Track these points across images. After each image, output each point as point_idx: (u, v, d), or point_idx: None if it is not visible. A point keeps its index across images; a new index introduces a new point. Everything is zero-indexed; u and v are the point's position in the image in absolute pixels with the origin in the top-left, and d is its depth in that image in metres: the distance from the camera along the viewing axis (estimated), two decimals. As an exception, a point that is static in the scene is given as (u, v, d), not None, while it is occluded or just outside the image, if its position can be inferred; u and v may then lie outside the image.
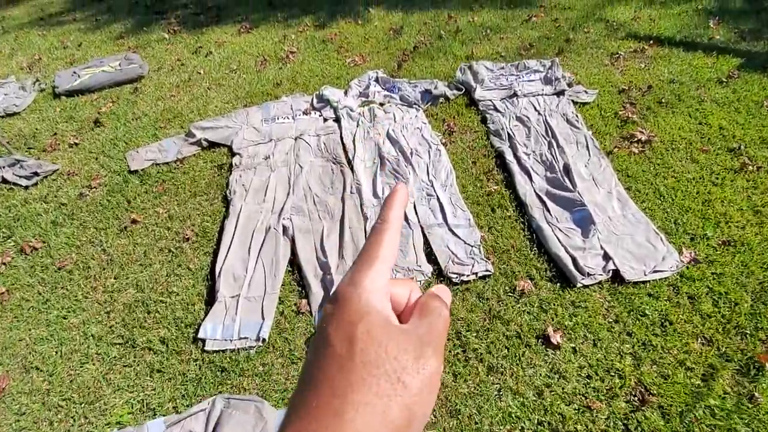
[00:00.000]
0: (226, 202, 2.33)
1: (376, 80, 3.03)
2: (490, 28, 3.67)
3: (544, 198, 2.21)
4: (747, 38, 3.23)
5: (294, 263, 2.04)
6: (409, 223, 2.13)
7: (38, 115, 3.07)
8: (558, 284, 1.90)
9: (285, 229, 2.12)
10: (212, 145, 2.68)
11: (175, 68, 3.49)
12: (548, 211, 2.15)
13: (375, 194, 2.30)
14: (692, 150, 2.44)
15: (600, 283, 1.89)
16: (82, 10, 4.68)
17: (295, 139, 2.65)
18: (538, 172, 2.36)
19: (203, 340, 1.78)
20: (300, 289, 1.95)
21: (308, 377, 0.23)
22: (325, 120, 2.79)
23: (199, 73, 3.39)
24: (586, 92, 2.85)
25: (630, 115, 2.66)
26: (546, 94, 2.84)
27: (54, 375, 1.75)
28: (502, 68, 3.08)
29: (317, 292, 1.90)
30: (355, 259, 0.27)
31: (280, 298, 1.91)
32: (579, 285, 1.87)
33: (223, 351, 1.76)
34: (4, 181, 2.51)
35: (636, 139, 2.51)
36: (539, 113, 2.71)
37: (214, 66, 3.47)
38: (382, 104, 2.88)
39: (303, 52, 3.58)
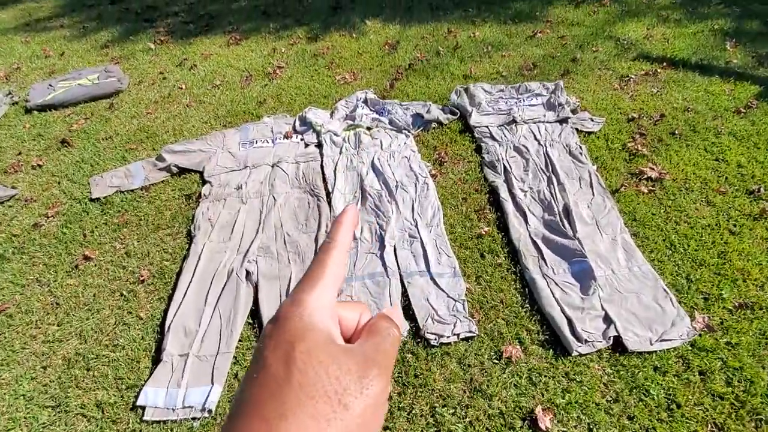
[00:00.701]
0: (190, 237, 2.12)
1: (365, 101, 2.81)
2: (491, 44, 3.44)
3: (540, 244, 1.97)
4: (765, 63, 2.96)
5: (256, 315, 1.82)
6: (387, 272, 1.90)
7: (6, 131, 2.90)
8: (551, 351, 1.66)
9: (249, 274, 1.91)
10: (183, 171, 2.48)
11: (157, 82, 3.31)
12: (544, 260, 1.91)
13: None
14: (708, 191, 2.18)
15: (599, 351, 1.65)
16: (71, 16, 4.53)
17: (272, 166, 2.44)
18: (534, 212, 2.12)
19: (143, 408, 1.57)
20: (259, 346, 1.73)
21: (240, 402, 0.21)
22: (307, 145, 2.57)
23: (181, 89, 3.20)
24: (592, 120, 2.61)
25: (639, 148, 2.41)
26: (548, 121, 2.60)
27: (-25, 442, 1.55)
28: (502, 90, 2.84)
29: (277, 352, 1.67)
30: (301, 278, 0.26)
31: (235, 356, 1.69)
32: (575, 353, 1.63)
33: (164, 422, 1.55)
34: (-43, 206, 2.34)
35: (645, 177, 2.26)
36: (539, 143, 2.47)
37: (197, 81, 3.28)
38: (369, 128, 2.66)
39: (292, 67, 3.37)
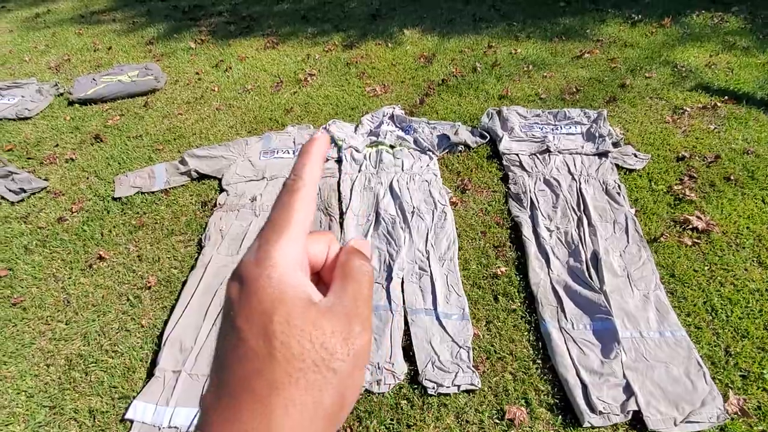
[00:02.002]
0: (200, 247, 2.11)
1: (391, 118, 2.72)
2: (533, 63, 3.25)
3: (561, 293, 1.81)
4: None
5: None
6: (391, 306, 1.81)
7: (48, 122, 3.04)
8: (560, 417, 1.51)
9: (250, 293, 1.87)
10: (203, 176, 2.49)
11: (192, 83, 3.36)
12: (563, 312, 1.75)
13: (360, 261, 1.99)
14: (761, 250, 1.94)
15: (615, 426, 1.48)
16: (123, 11, 4.72)
17: (290, 179, 2.39)
18: (559, 256, 1.95)
19: (131, 421, 1.56)
20: (252, 371, 1.69)
21: (223, 378, 0.20)
22: (327, 160, 2.51)
23: (213, 91, 3.23)
24: (635, 155, 2.39)
25: (687, 193, 2.18)
26: (585, 154, 2.41)
27: (-25, 434, 1.59)
28: (538, 116, 2.67)
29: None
30: (263, 226, 0.23)
31: (227, 379, 1.65)
32: (586, 425, 1.47)
33: (150, 439, 1.53)
34: (-6, 193, 2.45)
35: (691, 226, 2.03)
36: (573, 177, 2.29)
37: (230, 84, 3.31)
38: (392, 147, 2.56)
39: (323, 75, 3.33)
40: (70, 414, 1.62)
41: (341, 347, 0.21)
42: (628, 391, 1.53)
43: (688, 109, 2.70)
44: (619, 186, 2.22)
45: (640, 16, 3.71)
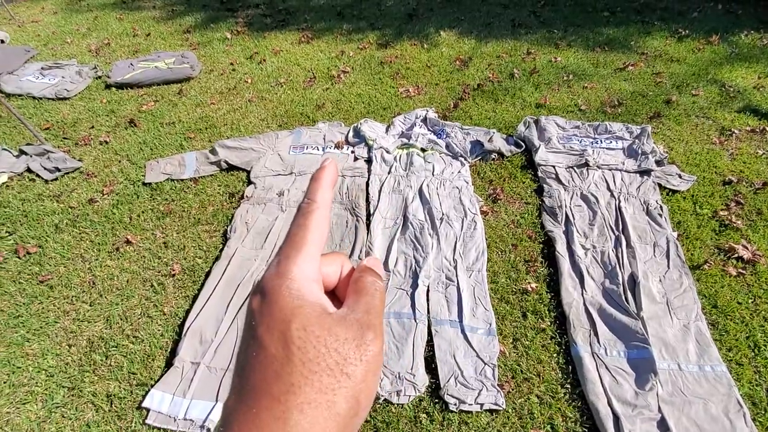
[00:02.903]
0: (225, 238, 2.10)
1: (424, 120, 2.67)
2: (573, 72, 3.15)
3: (595, 316, 1.72)
4: None
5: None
6: (415, 314, 1.75)
7: (85, 104, 3.09)
8: (588, 448, 1.43)
9: (273, 289, 1.84)
10: (231, 167, 2.48)
11: (226, 73, 3.38)
12: (596, 336, 1.67)
13: (385, 265, 1.94)
14: (817, 287, 1.81)
15: (648, 463, 1.39)
16: (163, -2, 4.79)
17: (318, 176, 2.36)
18: (594, 276, 1.87)
19: (148, 410, 1.55)
20: (270, 369, 1.66)
21: (244, 383, 0.22)
22: (356, 159, 2.48)
23: (246, 82, 3.24)
24: (680, 176, 2.28)
25: (733, 219, 2.06)
26: (626, 170, 2.30)
27: (-4, 407, 1.61)
28: (577, 127, 2.57)
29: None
30: (281, 245, 0.25)
31: (244, 376, 1.63)
32: (617, 459, 1.39)
33: (165, 429, 1.51)
34: (29, 170, 2.50)
35: (736, 255, 1.92)
36: (612, 194, 2.19)
37: (263, 76, 3.31)
38: (423, 150, 2.51)
39: (356, 73, 3.30)
40: (88, 397, 1.62)
41: (354, 353, 0.22)
42: (663, 426, 1.44)
43: (735, 131, 2.56)
44: (661, 207, 2.11)
45: (687, 31, 3.56)
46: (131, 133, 2.79)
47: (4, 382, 1.67)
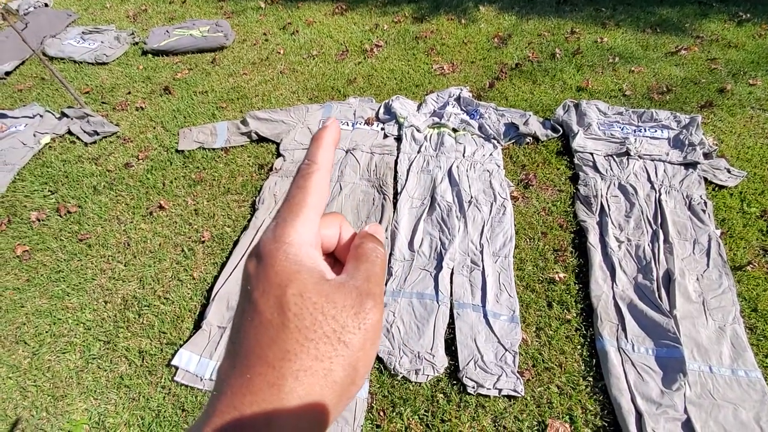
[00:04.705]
0: (254, 209, 2.13)
1: (457, 99, 2.59)
2: (620, 54, 2.96)
3: (624, 311, 1.67)
4: None
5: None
6: (437, 296, 1.74)
7: (123, 69, 3.14)
8: (607, 442, 1.41)
9: (298, 261, 1.87)
10: (261, 139, 2.49)
11: (259, 43, 3.35)
12: (624, 331, 1.62)
13: (410, 245, 1.93)
14: None
15: (669, 462, 1.36)
16: (200, -35, 4.75)
17: (347, 152, 2.35)
18: (626, 270, 1.80)
19: (176, 368, 1.62)
20: (292, 339, 1.70)
21: (238, 348, 0.21)
22: (386, 136, 2.44)
23: (279, 53, 3.21)
24: (728, 171, 2.14)
25: (785, 220, 1.93)
26: (670, 162, 2.18)
27: (37, 355, 1.72)
28: (620, 114, 2.44)
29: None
30: (279, 207, 0.24)
31: (268, 343, 1.68)
32: (636, 456, 1.36)
33: (192, 387, 1.59)
34: (70, 132, 2.58)
35: (785, 258, 1.80)
36: (653, 186, 2.09)
37: (295, 48, 3.27)
38: (455, 130, 2.44)
39: (390, 47, 3.22)
40: (122, 351, 1.70)
41: (352, 321, 0.21)
42: (688, 427, 1.40)
43: (797, 125, 2.37)
44: (705, 203, 1.99)
45: (748, 15, 3.27)
46: (166, 100, 2.83)
47: (46, 332, 1.78)
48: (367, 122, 2.52)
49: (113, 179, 2.35)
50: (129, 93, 2.92)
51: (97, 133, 2.55)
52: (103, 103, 2.86)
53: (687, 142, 2.22)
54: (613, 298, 1.71)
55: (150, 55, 3.25)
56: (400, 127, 2.45)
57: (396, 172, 2.26)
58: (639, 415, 1.42)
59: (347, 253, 0.26)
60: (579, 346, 1.63)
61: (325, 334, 0.21)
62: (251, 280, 0.22)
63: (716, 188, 2.09)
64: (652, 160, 2.19)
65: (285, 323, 0.21)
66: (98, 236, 2.10)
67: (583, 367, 1.58)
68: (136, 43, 3.40)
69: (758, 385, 1.48)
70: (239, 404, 0.20)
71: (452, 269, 1.84)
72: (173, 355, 1.65)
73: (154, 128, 2.64)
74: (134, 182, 2.32)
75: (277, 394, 0.20)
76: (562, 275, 1.82)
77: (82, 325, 1.80)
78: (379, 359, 1.60)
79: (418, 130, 2.43)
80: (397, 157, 2.32)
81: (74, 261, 2.01)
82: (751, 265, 1.79)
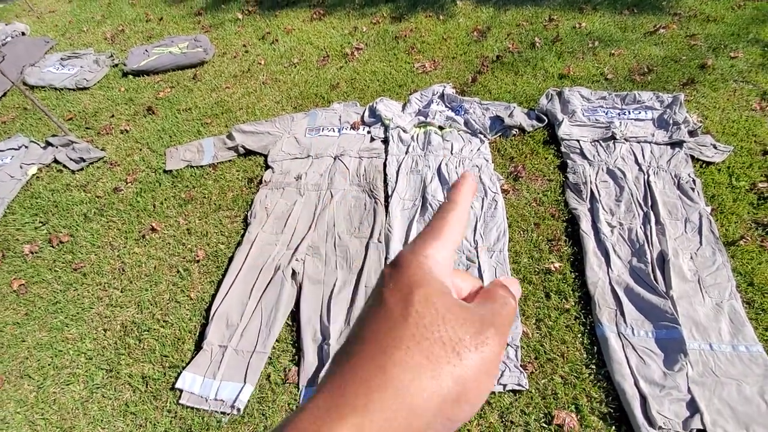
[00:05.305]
0: (246, 224, 2.13)
1: (441, 96, 2.59)
2: (599, 38, 2.97)
3: (621, 296, 1.68)
4: None
5: (295, 317, 1.78)
6: (435, 296, 1.74)
7: (104, 93, 3.13)
8: (612, 428, 1.42)
9: (294, 273, 1.87)
10: (249, 152, 2.49)
11: (239, 55, 3.34)
12: (623, 316, 1.63)
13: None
14: None
15: (676, 443, 1.37)
16: (174, -19, 4.73)
17: (335, 158, 2.35)
18: (620, 255, 1.81)
19: (181, 391, 1.62)
20: (294, 350, 1.70)
21: (356, 333, 0.23)
22: (373, 139, 2.44)
23: (260, 64, 3.20)
24: (715, 147, 2.15)
25: (774, 191, 1.94)
26: (656, 143, 2.19)
27: (42, 388, 1.72)
28: (603, 98, 2.45)
29: (311, 362, 1.63)
30: (421, 231, 0.26)
31: (270, 357, 1.68)
32: (644, 439, 1.37)
33: (197, 409, 1.59)
34: (56, 161, 2.57)
35: (776, 230, 1.82)
36: (641, 168, 2.10)
37: (276, 57, 3.26)
38: (441, 128, 2.44)
39: (371, 49, 3.21)
40: (125, 378, 1.70)
41: (470, 339, 0.21)
42: (693, 407, 1.41)
43: (780, 94, 2.38)
44: (693, 180, 2.00)
45: (726, -14, 3.28)
46: (150, 121, 2.82)
47: (49, 364, 1.78)
48: (353, 127, 2.52)
49: (103, 205, 2.34)
50: (112, 116, 2.91)
51: (84, 160, 2.53)
52: (87, 128, 2.85)
53: (671, 122, 2.23)
54: (610, 283, 1.72)
55: (131, 76, 3.23)
56: (386, 129, 2.45)
57: (385, 174, 2.26)
58: (643, 399, 1.43)
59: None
60: (579, 335, 1.64)
61: (441, 339, 0.21)
62: (384, 280, 0.24)
63: (704, 165, 2.10)
64: (639, 142, 2.20)
65: (406, 317, 0.22)
66: (92, 264, 2.09)
67: (585, 356, 1.59)
68: (116, 65, 3.38)
69: (760, 359, 1.49)
70: (344, 382, 0.21)
71: (448, 268, 1.84)
72: (177, 378, 1.65)
73: (141, 150, 2.63)
74: (124, 206, 2.31)
75: (382, 378, 0.20)
76: (557, 265, 1.83)
77: (83, 355, 1.80)
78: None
79: (404, 131, 2.43)
80: (386, 159, 2.32)
81: (70, 291, 2.00)
82: (743, 240, 1.80)
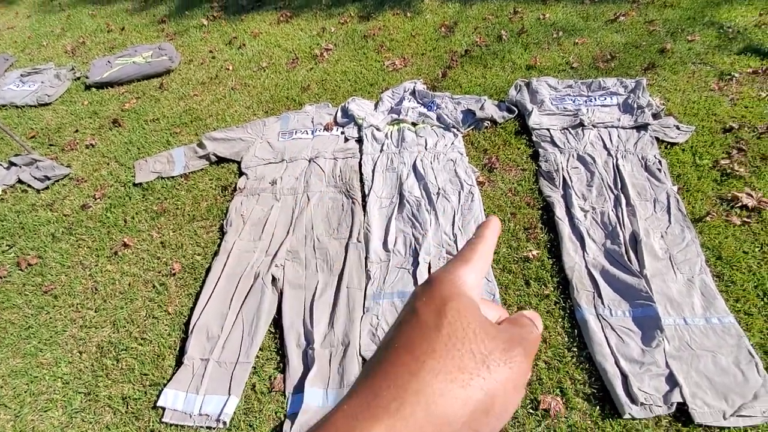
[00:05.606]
0: (222, 233, 2.09)
1: (413, 93, 2.59)
2: (563, 28, 3.03)
3: (598, 278, 1.72)
4: None
5: (278, 324, 1.76)
6: (417, 292, 1.75)
7: (67, 107, 3.02)
8: (597, 408, 1.45)
9: (274, 279, 1.84)
10: (221, 160, 2.44)
11: (206, 62, 3.28)
12: (600, 298, 1.67)
13: (385, 245, 1.93)
14: (823, 229, 1.78)
15: (657, 417, 1.41)
16: (134, -11, 4.61)
17: (310, 161, 2.33)
18: (595, 238, 1.85)
19: (163, 408, 1.58)
20: (279, 357, 1.68)
21: (389, 340, 0.23)
22: (347, 140, 2.43)
23: (228, 69, 3.14)
24: (678, 128, 2.22)
25: (736, 167, 2.01)
26: (623, 127, 2.25)
27: (20, 417, 1.64)
28: (570, 86, 2.50)
29: (296, 368, 1.61)
30: (449, 259, 0.28)
31: (254, 366, 1.65)
32: (627, 416, 1.41)
33: (182, 426, 1.55)
34: (20, 181, 2.47)
35: (740, 204, 1.89)
36: (609, 153, 2.15)
37: (244, 62, 3.21)
38: (414, 124, 2.45)
39: (340, 49, 3.20)
40: (105, 401, 1.65)
41: (499, 354, 0.22)
42: (672, 381, 1.45)
43: (736, 74, 2.48)
44: (659, 161, 2.06)
45: (681, -28, 3.39)
46: (116, 134, 2.74)
47: (25, 392, 1.70)
48: (327, 128, 2.50)
49: (71, 223, 2.26)
50: (77, 131, 2.81)
51: (49, 178, 2.44)
52: (50, 145, 2.75)
53: (636, 106, 2.29)
54: (586, 266, 1.76)
55: (94, 89, 3.13)
56: (359, 128, 2.44)
57: (361, 174, 2.25)
58: (624, 377, 1.46)
59: None
60: (560, 319, 1.67)
61: (471, 351, 0.22)
62: (417, 294, 0.25)
63: (668, 146, 2.16)
64: (606, 128, 2.25)
65: (439, 327, 0.22)
66: (63, 285, 2.02)
67: (566, 339, 1.62)
68: (78, 79, 3.27)
69: (732, 330, 1.55)
70: (377, 386, 0.21)
71: (429, 263, 1.84)
72: (158, 396, 1.61)
73: (108, 164, 2.55)
74: (94, 223, 2.24)
75: (415, 384, 0.20)
76: (535, 252, 1.85)
77: (59, 379, 1.73)
78: (368, 364, 1.60)
79: (378, 129, 2.42)
80: (361, 159, 2.32)
81: (42, 315, 1.93)
82: (710, 215, 1.87)
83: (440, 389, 0.20)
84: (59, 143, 2.75)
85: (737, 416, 1.36)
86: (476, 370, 0.21)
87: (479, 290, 0.26)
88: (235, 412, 1.55)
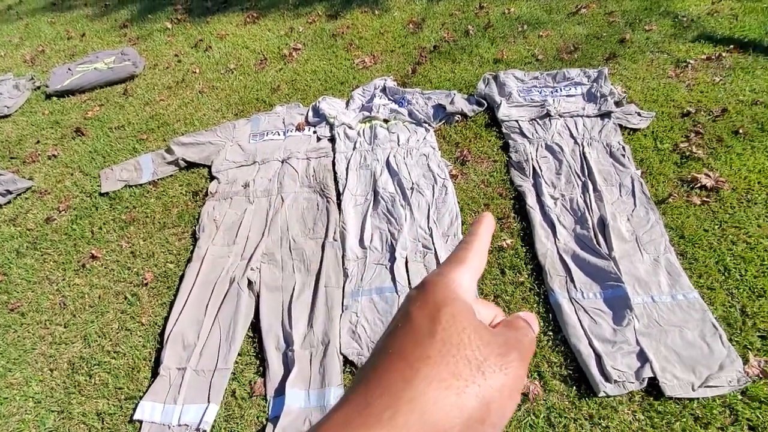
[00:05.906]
0: (195, 239, 2.05)
1: (383, 90, 2.60)
2: (527, 22, 3.09)
3: (569, 263, 1.76)
4: None
5: (256, 327, 1.74)
6: (396, 287, 1.76)
7: (27, 118, 2.90)
8: (574, 388, 1.49)
9: (250, 283, 1.82)
10: (191, 165, 2.39)
11: (171, 65, 3.20)
12: (572, 281, 1.71)
13: (361, 242, 1.93)
14: (776, 204, 1.87)
15: (630, 393, 1.46)
16: (93, -6, 4.47)
17: (282, 162, 2.31)
18: (565, 224, 1.90)
19: (140, 422, 1.54)
20: (258, 362, 1.66)
21: (382, 346, 0.23)
22: (319, 139, 2.42)
23: (194, 73, 3.08)
24: (639, 114, 2.29)
25: (694, 150, 2.10)
26: (587, 116, 2.31)
27: (-15, 442, 1.58)
28: (536, 78, 2.55)
29: (276, 371, 1.59)
30: (446, 258, 0.27)
31: (233, 372, 1.63)
32: (602, 395, 1.45)
33: (161, 437, 1.51)
34: (-22, 197, 2.36)
35: (699, 185, 1.97)
36: (576, 141, 2.21)
37: (211, 64, 3.15)
38: (386, 121, 2.46)
39: (309, 49, 3.18)
40: (79, 418, 1.59)
41: (495, 359, 0.22)
42: (643, 357, 1.50)
43: (691, 61, 2.58)
44: (623, 147, 2.13)
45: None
46: (80, 143, 2.64)
47: (-10, 416, 1.63)
48: (298, 128, 2.48)
49: (36, 237, 2.17)
50: (38, 142, 2.70)
51: (10, 192, 2.34)
52: (11, 158, 2.64)
53: (599, 95, 2.36)
54: (558, 252, 1.80)
55: (54, 98, 3.02)
56: (331, 127, 2.44)
57: (335, 173, 2.24)
58: (598, 357, 1.51)
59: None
60: (535, 305, 1.70)
61: (466, 357, 0.21)
62: (411, 300, 0.24)
63: (631, 132, 2.24)
64: (572, 117, 2.31)
65: (433, 333, 0.22)
66: (30, 302, 1.94)
67: (542, 324, 1.65)
68: (38, 88, 3.15)
69: (697, 305, 1.61)
70: (370, 393, 0.21)
71: (406, 258, 1.86)
72: (134, 410, 1.56)
73: (72, 175, 2.46)
74: (59, 236, 2.16)
75: (408, 391, 0.20)
76: (509, 241, 1.89)
77: (30, 399, 1.66)
78: (349, 362, 1.60)
79: (350, 127, 2.42)
80: (334, 157, 2.31)
81: (9, 333, 1.85)
82: (672, 197, 1.94)
83: (434, 397, 0.20)
84: (20, 155, 2.64)
85: (705, 387, 1.42)
86: (471, 376, 0.21)
87: (474, 290, 0.26)
88: (215, 420, 1.52)
